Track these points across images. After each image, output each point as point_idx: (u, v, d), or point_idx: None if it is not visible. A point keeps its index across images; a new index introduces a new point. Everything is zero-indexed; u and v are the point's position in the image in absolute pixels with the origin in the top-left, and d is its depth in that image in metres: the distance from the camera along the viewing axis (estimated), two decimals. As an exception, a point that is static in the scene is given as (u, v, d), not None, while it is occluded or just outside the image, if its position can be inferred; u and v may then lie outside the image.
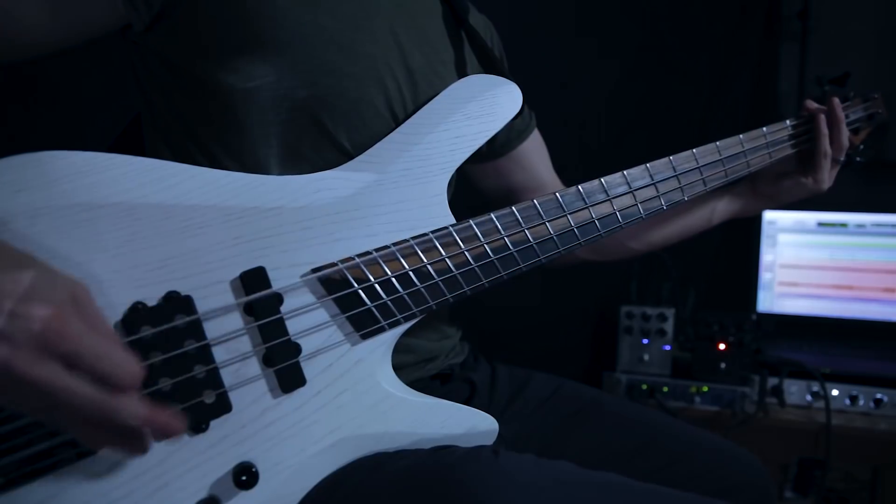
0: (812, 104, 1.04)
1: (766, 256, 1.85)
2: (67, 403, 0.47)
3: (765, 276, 1.85)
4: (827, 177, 1.03)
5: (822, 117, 1.01)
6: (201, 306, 0.61)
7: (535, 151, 1.04)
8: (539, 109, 1.05)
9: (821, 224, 1.80)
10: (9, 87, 1.11)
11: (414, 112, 0.76)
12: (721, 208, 1.09)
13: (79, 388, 0.47)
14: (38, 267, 0.49)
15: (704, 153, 0.90)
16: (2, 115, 1.16)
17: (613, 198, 0.80)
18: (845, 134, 1.02)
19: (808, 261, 1.82)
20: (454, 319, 0.92)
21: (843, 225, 1.79)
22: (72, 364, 0.47)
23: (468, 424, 0.73)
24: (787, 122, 1.02)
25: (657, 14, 1.93)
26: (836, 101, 1.02)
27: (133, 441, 0.52)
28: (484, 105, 0.76)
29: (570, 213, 0.77)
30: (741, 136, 0.95)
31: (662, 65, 1.95)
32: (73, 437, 0.55)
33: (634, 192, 0.82)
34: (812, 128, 1.02)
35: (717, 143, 0.92)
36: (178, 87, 0.71)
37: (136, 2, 0.66)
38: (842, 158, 1.04)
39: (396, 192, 0.71)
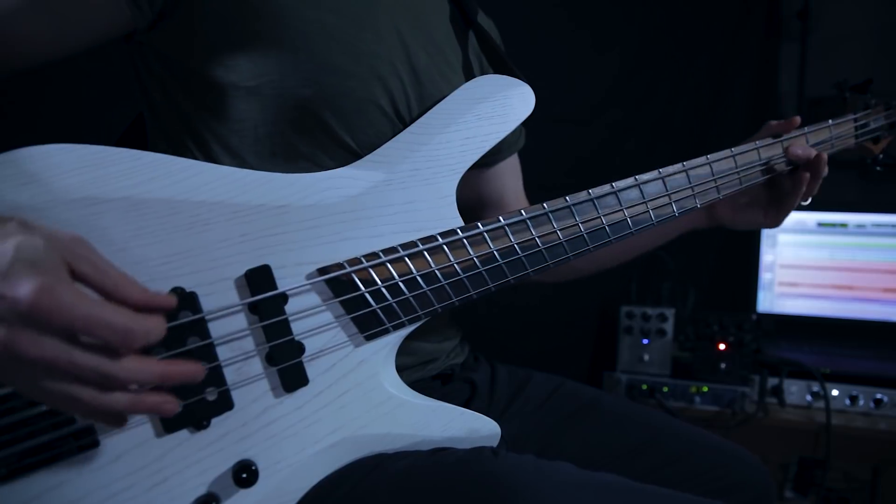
0: (801, 152, 0.91)
1: (766, 256, 1.85)
2: (74, 377, 0.46)
3: (765, 276, 1.85)
4: (784, 219, 0.96)
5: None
6: (206, 303, 0.60)
7: (513, 169, 1.02)
8: (538, 109, 1.05)
9: (821, 224, 1.80)
10: (12, 90, 1.11)
11: (419, 113, 0.75)
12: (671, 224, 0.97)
13: (81, 358, 0.46)
14: (22, 234, 0.46)
15: (718, 158, 0.87)
16: (5, 115, 1.16)
17: (625, 204, 0.78)
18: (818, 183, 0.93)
19: (807, 261, 1.82)
20: (455, 321, 0.92)
21: (843, 225, 1.79)
22: (70, 337, 0.46)
23: (470, 428, 0.73)
24: (806, 128, 0.96)
25: (657, 14, 1.93)
26: (824, 157, 0.91)
27: (159, 403, 0.51)
28: (496, 106, 0.75)
29: (579, 218, 0.76)
30: (757, 142, 0.91)
31: (662, 65, 1.95)
32: (90, 422, 0.54)
33: (646, 199, 0.80)
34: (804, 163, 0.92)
35: (732, 149, 0.89)
36: (181, 86, 0.70)
37: (140, 0, 0.66)
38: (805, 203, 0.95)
39: (405, 193, 0.70)
